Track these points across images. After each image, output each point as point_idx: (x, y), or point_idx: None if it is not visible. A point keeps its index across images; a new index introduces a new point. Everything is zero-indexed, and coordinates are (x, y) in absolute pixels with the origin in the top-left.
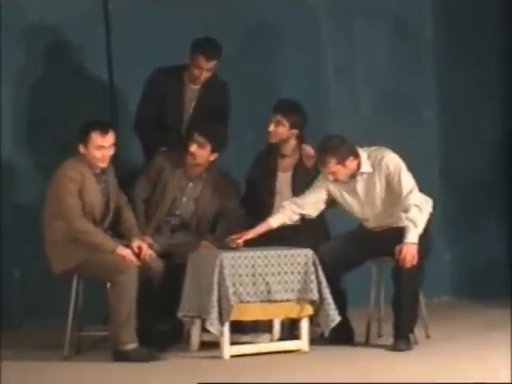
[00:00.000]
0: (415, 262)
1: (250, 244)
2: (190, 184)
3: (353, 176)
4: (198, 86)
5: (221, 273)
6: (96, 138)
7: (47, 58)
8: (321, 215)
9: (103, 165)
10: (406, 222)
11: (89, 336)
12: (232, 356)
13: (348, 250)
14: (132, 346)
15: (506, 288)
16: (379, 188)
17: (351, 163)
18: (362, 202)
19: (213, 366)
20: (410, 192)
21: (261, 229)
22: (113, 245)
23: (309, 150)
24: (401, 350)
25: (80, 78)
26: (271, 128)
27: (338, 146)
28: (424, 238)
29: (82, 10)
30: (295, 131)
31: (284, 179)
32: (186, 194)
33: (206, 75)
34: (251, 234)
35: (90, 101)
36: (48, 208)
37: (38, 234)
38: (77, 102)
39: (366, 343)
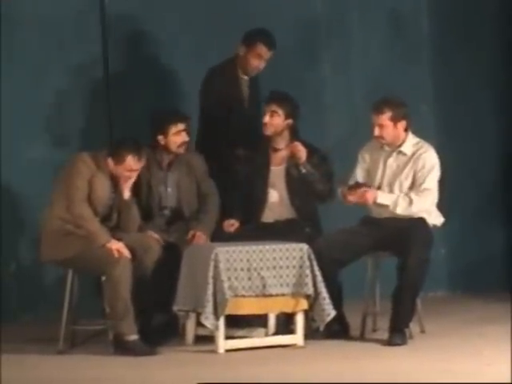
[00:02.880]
0: (369, 201)
1: (246, 238)
2: (169, 174)
3: (391, 148)
4: (247, 77)
5: (216, 267)
6: (130, 161)
7: (43, 51)
8: (315, 210)
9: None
10: (405, 196)
11: (84, 330)
12: (227, 350)
13: (345, 244)
14: (133, 337)
15: (501, 283)
16: (404, 176)
17: (400, 129)
18: (385, 178)
19: (207, 360)
20: (427, 191)
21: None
22: (106, 237)
23: (299, 146)
24: (396, 345)
25: (76, 71)
26: (266, 119)
27: (399, 104)
28: (427, 231)
29: (78, 2)
30: (290, 121)
31: (277, 173)
32: (169, 185)
33: (263, 65)
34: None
35: (86, 93)
36: (54, 192)
37: (34, 228)
38: (72, 95)
39: (361, 337)
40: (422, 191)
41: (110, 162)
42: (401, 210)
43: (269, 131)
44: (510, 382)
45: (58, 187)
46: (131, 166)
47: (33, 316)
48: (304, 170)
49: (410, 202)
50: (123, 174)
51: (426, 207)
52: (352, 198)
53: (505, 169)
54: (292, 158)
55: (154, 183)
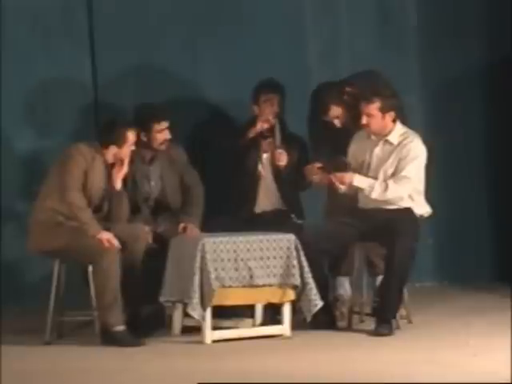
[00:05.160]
0: (345, 183)
1: (232, 230)
2: (151, 168)
3: (378, 138)
4: None
5: (203, 258)
6: (130, 135)
7: (28, 43)
8: (299, 202)
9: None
10: (382, 182)
11: (71, 320)
12: (214, 341)
13: (332, 234)
14: (120, 327)
15: (489, 273)
16: (389, 164)
17: (388, 120)
18: (371, 167)
19: (194, 351)
20: (406, 179)
21: None
22: (97, 228)
23: (283, 155)
24: (383, 335)
25: (62, 64)
26: (276, 108)
27: (389, 96)
28: (413, 221)
29: None
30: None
31: (264, 162)
32: (152, 179)
33: None
34: None
35: (72, 87)
36: (46, 183)
37: (21, 218)
38: (58, 85)
39: (348, 328)
40: (400, 179)
41: (114, 148)
42: (376, 194)
43: (274, 120)
44: (510, 382)
45: (52, 178)
46: (133, 139)
47: (19, 307)
48: (286, 176)
49: (386, 187)
50: (125, 153)
51: (402, 195)
52: (331, 178)
53: (493, 158)
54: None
55: (137, 177)
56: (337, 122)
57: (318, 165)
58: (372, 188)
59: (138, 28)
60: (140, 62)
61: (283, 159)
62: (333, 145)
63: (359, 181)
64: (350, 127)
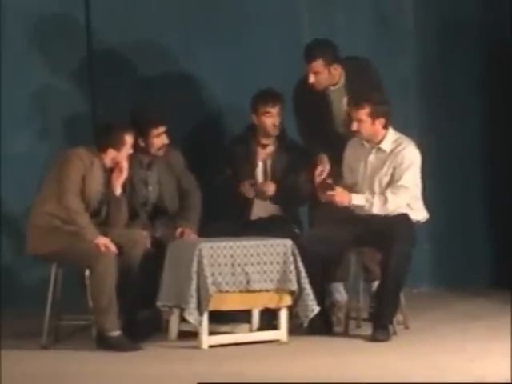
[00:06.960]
0: (345, 202)
1: (230, 235)
2: (149, 173)
3: (371, 145)
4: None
5: (199, 262)
6: (128, 138)
7: (26, 40)
8: (297, 210)
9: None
10: (380, 195)
11: (68, 325)
12: (210, 346)
13: (329, 240)
14: (116, 333)
15: (485, 278)
16: (383, 172)
17: (379, 126)
18: (366, 175)
19: (191, 356)
20: (403, 188)
21: None
22: (94, 233)
23: (271, 187)
24: (380, 341)
25: (60, 65)
26: (278, 121)
27: (379, 101)
28: (409, 227)
29: None
30: None
31: (262, 167)
32: (150, 184)
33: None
34: None
35: (70, 84)
36: (44, 187)
37: (18, 222)
38: (55, 89)
39: (345, 333)
40: (398, 188)
41: (112, 152)
42: (377, 209)
43: (277, 132)
44: (510, 382)
45: (50, 182)
46: (130, 142)
47: (18, 310)
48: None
49: (385, 200)
50: (123, 157)
51: (402, 204)
52: (324, 198)
53: (490, 164)
54: (278, 151)
55: (135, 182)
56: (312, 78)
57: (330, 181)
58: (371, 203)
59: (134, 29)
60: (137, 65)
61: (271, 190)
62: (315, 112)
63: (357, 199)
64: (326, 92)
